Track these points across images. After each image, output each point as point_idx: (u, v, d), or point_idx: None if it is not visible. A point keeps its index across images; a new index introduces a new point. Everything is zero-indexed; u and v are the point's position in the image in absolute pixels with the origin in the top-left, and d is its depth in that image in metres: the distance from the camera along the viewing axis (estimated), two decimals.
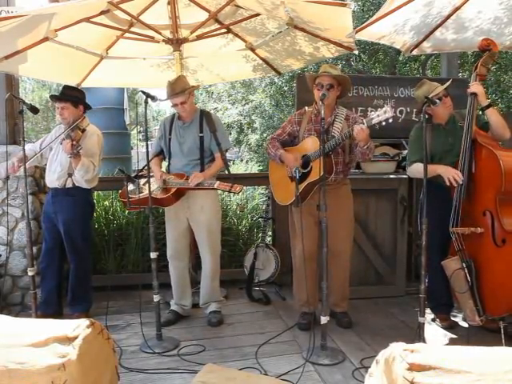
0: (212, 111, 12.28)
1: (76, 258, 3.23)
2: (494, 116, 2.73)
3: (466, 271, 2.64)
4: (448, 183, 2.67)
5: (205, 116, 3.12)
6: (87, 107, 3.28)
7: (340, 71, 3.09)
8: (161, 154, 3.26)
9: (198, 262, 3.49)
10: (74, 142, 2.94)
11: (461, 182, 2.64)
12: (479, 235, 2.63)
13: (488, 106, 2.74)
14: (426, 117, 2.51)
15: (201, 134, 3.06)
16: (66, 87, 3.32)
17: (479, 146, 2.68)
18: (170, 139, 3.13)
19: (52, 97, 3.28)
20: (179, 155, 3.11)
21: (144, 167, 3.16)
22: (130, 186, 3.13)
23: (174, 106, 3.03)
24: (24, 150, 2.74)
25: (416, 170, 2.89)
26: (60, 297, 3.37)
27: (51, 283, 3.30)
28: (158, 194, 3.02)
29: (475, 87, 2.69)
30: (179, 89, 2.96)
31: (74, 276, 3.25)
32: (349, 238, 3.08)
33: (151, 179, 3.08)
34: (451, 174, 2.66)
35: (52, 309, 3.28)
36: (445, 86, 2.84)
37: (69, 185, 3.16)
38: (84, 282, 3.31)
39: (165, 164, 3.35)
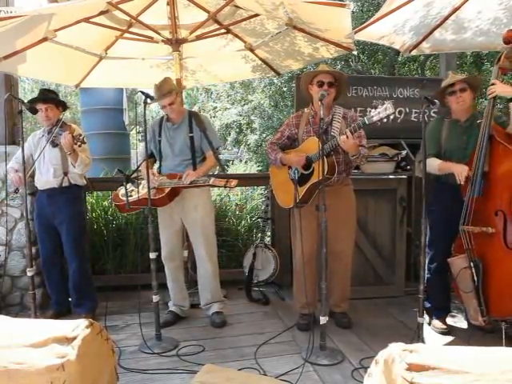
0: (211, 111, 12.30)
1: (77, 258, 3.23)
2: None
3: (473, 270, 2.58)
4: (459, 181, 2.61)
5: (193, 116, 3.16)
6: (65, 108, 3.31)
7: None
8: (151, 157, 3.27)
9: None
10: (75, 134, 2.96)
11: (463, 178, 2.58)
12: (490, 235, 2.56)
13: None
14: (425, 114, 2.45)
15: (191, 134, 3.10)
16: (45, 90, 3.32)
17: (496, 144, 2.58)
18: (159, 141, 3.16)
19: (35, 100, 3.15)
20: (171, 156, 3.14)
21: (135, 170, 3.17)
22: (122, 190, 3.10)
23: (163, 107, 3.08)
24: (23, 149, 2.70)
25: (430, 164, 2.82)
26: (68, 295, 3.41)
27: (59, 283, 3.34)
28: (152, 194, 3.01)
29: (497, 87, 2.54)
30: (166, 90, 2.99)
31: (77, 276, 3.25)
32: (350, 238, 3.06)
33: (143, 181, 3.08)
34: (459, 170, 2.61)
35: (64, 308, 3.38)
36: (460, 78, 2.77)
37: (65, 183, 3.19)
38: (88, 281, 3.32)
39: (156, 166, 3.34)
